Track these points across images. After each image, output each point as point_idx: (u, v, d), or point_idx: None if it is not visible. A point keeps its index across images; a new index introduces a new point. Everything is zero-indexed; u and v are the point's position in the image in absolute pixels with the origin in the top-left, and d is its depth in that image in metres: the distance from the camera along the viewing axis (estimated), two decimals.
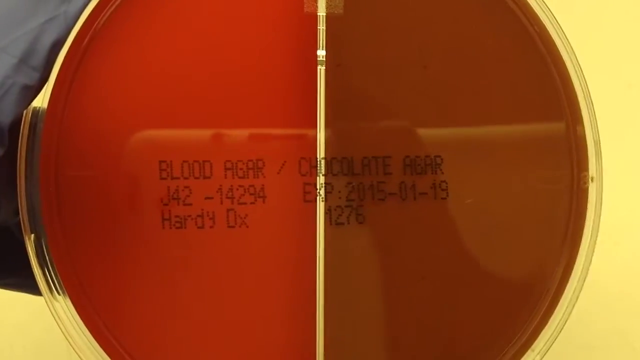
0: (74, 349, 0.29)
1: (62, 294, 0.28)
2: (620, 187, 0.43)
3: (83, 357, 0.29)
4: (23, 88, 0.27)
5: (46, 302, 0.28)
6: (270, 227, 0.29)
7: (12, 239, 0.30)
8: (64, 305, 0.29)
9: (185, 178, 0.29)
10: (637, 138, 0.50)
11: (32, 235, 0.28)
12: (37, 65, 0.27)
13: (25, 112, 0.28)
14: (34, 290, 0.30)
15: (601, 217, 0.30)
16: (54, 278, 0.28)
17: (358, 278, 0.29)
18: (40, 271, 0.28)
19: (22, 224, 0.28)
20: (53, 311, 0.29)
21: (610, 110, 0.46)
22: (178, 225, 0.29)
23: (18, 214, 0.29)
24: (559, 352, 0.30)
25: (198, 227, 0.29)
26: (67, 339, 0.28)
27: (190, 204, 0.29)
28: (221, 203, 0.29)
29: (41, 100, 0.28)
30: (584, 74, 0.30)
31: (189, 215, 0.29)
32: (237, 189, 0.29)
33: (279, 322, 0.29)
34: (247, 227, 0.29)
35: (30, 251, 0.28)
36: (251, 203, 0.29)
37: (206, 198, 0.29)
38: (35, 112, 0.28)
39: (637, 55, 0.51)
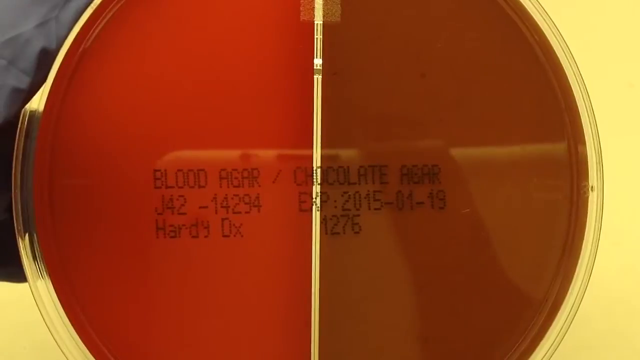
0: (59, 346, 0.29)
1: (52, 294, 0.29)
2: (620, 187, 0.43)
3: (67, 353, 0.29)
4: (13, 91, 0.27)
5: (37, 305, 0.29)
6: (265, 236, 0.29)
7: None
8: (55, 314, 0.29)
9: (180, 187, 0.28)
10: (638, 137, 0.50)
11: (26, 236, 0.28)
12: (27, 68, 0.27)
13: (22, 114, 0.28)
14: (10, 278, 0.30)
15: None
16: (45, 280, 0.28)
17: (353, 288, 0.29)
18: (31, 272, 0.28)
19: (15, 228, 0.28)
20: (49, 322, 0.29)
21: (611, 110, 0.46)
22: (172, 234, 0.28)
23: (7, 211, 0.29)
24: (558, 352, 0.30)
25: (192, 237, 0.29)
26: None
27: (185, 213, 0.28)
28: (216, 212, 0.29)
29: (37, 104, 0.28)
30: (586, 73, 0.29)
31: (184, 225, 0.29)
32: (232, 198, 0.29)
33: (273, 331, 0.29)
34: (242, 236, 0.29)
35: (23, 255, 0.28)
36: (246, 212, 0.29)
37: (201, 207, 0.29)
38: (31, 116, 0.28)
39: (638, 55, 0.51)
